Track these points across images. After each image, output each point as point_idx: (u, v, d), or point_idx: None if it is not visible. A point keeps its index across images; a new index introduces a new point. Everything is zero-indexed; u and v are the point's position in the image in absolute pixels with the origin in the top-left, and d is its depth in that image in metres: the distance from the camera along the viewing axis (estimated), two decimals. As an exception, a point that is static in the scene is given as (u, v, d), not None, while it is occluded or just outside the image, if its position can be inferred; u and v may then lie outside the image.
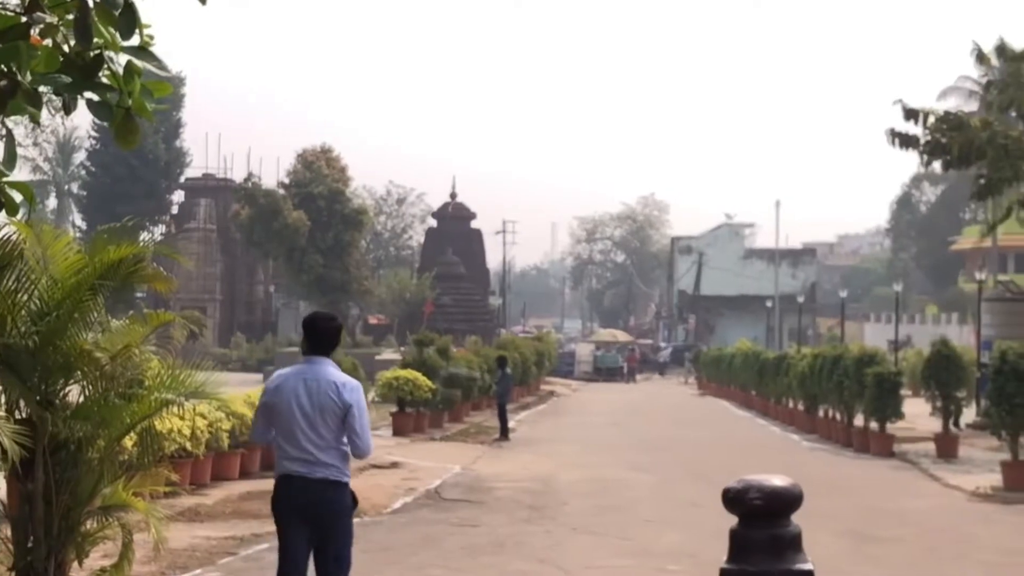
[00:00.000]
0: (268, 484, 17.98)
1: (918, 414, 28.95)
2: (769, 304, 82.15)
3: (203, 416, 17.50)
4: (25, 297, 7.04)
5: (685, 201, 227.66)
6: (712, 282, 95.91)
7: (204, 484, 17.51)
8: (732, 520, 13.88)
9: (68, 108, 4.58)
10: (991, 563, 12.69)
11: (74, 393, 7.43)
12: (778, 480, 3.47)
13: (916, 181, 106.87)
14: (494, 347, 42.71)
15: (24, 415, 7.02)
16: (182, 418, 16.69)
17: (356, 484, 18.29)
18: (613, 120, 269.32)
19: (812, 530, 13.68)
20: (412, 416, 27.80)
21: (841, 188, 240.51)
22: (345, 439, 7.47)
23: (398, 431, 27.31)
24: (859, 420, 27.60)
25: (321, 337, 7.74)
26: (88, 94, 4.40)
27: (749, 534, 3.36)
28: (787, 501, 3.40)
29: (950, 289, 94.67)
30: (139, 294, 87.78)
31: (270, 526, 14.45)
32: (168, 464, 16.28)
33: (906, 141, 27.83)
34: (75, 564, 7.36)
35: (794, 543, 3.36)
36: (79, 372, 7.10)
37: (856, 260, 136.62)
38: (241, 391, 20.48)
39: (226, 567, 11.30)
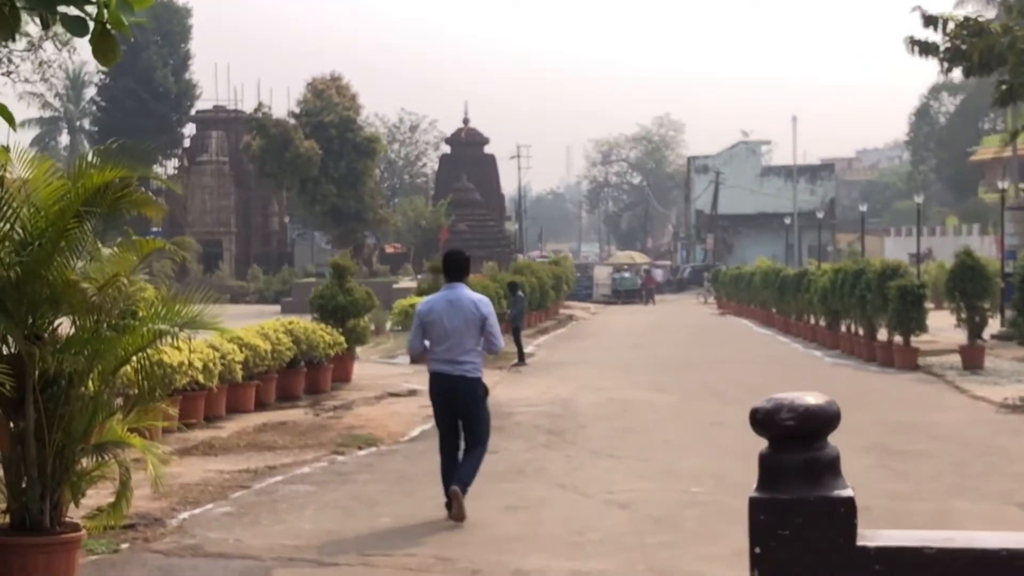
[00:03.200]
0: (284, 415, 17.86)
1: (940, 327, 28.59)
2: (788, 221, 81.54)
3: (215, 348, 17.26)
4: (7, 226, 6.68)
5: (701, 120, 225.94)
6: (730, 201, 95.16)
7: (219, 417, 17.27)
8: (756, 440, 13.42)
9: (45, 23, 4.30)
10: (1021, 475, 12.36)
11: (65, 327, 7.10)
12: (812, 398, 3.02)
13: (935, 92, 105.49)
14: (511, 272, 42.34)
15: (12, 351, 6.69)
16: (192, 351, 16.55)
17: (373, 412, 18.09)
18: (627, 39, 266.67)
19: (839, 445, 13.31)
20: (429, 343, 27.49)
21: (858, 103, 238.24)
22: (481, 343, 10.14)
23: (418, 359, 26.98)
24: (882, 334, 27.23)
25: (456, 267, 10.39)
26: (64, 8, 4.21)
27: (781, 459, 2.94)
28: (823, 421, 2.97)
29: (970, 200, 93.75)
30: (155, 229, 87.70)
31: (285, 458, 14.25)
32: (180, 398, 16.14)
33: (925, 49, 27.15)
34: (71, 504, 7.07)
35: (831, 467, 2.94)
36: (67, 304, 6.74)
37: (875, 175, 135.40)
38: (256, 323, 20.23)
39: (238, 501, 11.04)
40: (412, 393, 21.14)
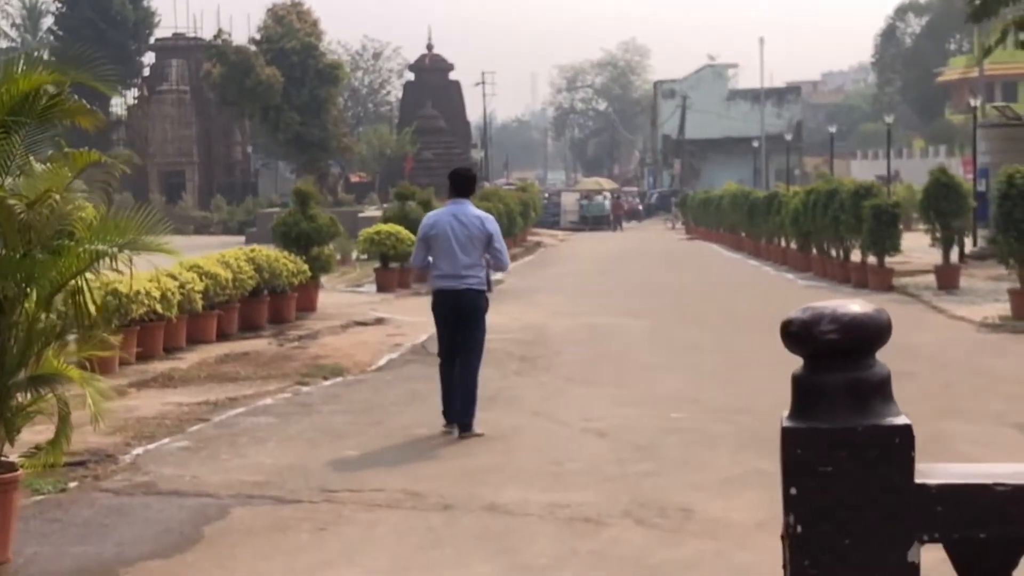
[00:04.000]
0: (247, 346, 17.28)
1: (912, 247, 28.16)
2: (756, 144, 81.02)
3: (174, 277, 16.64)
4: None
5: (666, 44, 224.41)
6: (696, 125, 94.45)
7: (179, 348, 16.69)
8: (734, 363, 13.21)
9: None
10: (1011, 395, 11.97)
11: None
12: (857, 306, 2.37)
13: (901, 12, 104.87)
14: (477, 199, 41.69)
15: (-65, 276, 6.09)
16: (150, 280, 15.94)
17: (338, 341, 17.54)
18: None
19: (886, 364, 12.90)
20: (396, 271, 26.92)
21: (823, 24, 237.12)
22: (486, 258, 10.19)
23: (382, 287, 26.47)
24: (855, 256, 26.83)
25: (461, 183, 10.47)
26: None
27: (821, 380, 2.31)
28: (872, 333, 2.36)
29: (937, 121, 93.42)
30: (124, 169, 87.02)
31: (246, 389, 13.70)
32: (137, 329, 15.54)
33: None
34: (6, 443, 6.49)
35: (881, 389, 2.32)
36: (-7, 224, 6.12)
37: (840, 97, 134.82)
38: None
39: (196, 435, 10.49)
40: (379, 322, 20.62)
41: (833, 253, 28.57)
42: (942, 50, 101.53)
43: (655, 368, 14.31)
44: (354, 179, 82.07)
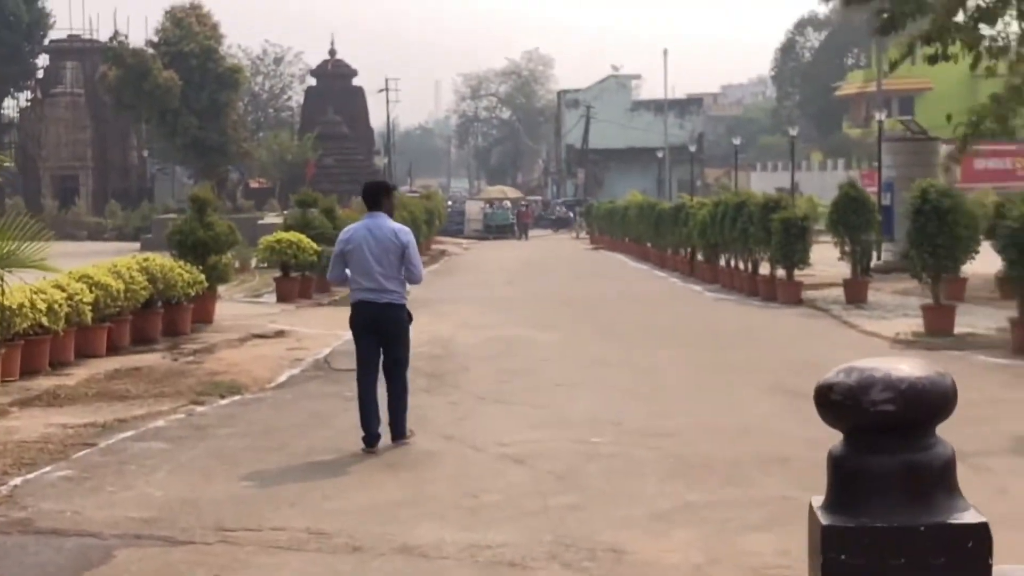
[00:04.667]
0: (139, 360, 16.39)
1: (816, 260, 27.92)
2: (660, 155, 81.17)
3: (61, 288, 15.76)
4: None
5: (570, 54, 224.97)
6: (600, 135, 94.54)
7: (67, 363, 15.79)
8: (650, 379, 12.52)
9: None
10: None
11: None
12: (910, 366, 1.70)
13: (800, 26, 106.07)
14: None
15: None
16: (36, 291, 15.06)
17: (236, 356, 16.74)
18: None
19: (735, 386, 12.36)
20: (297, 281, 26.09)
21: (723, 38, 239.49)
22: (403, 271, 10.06)
23: (283, 297, 25.62)
24: (764, 269, 26.59)
25: (375, 196, 10.35)
26: None
27: (870, 463, 1.64)
28: (935, 402, 1.69)
29: (835, 135, 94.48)
30: (7, 164, 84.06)
31: (137, 409, 12.87)
32: (22, 343, 14.64)
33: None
34: None
35: (946, 475, 1.61)
36: None
37: (739, 110, 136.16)
38: (110, 260, 18.66)
39: (81, 462, 9.69)
40: (279, 334, 19.83)
41: (741, 265, 28.32)
42: (840, 64, 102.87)
43: (570, 385, 13.76)
44: (254, 185, 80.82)
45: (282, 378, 15.09)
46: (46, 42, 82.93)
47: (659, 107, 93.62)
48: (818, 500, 2.21)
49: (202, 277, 19.72)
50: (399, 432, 10.16)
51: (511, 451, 9.78)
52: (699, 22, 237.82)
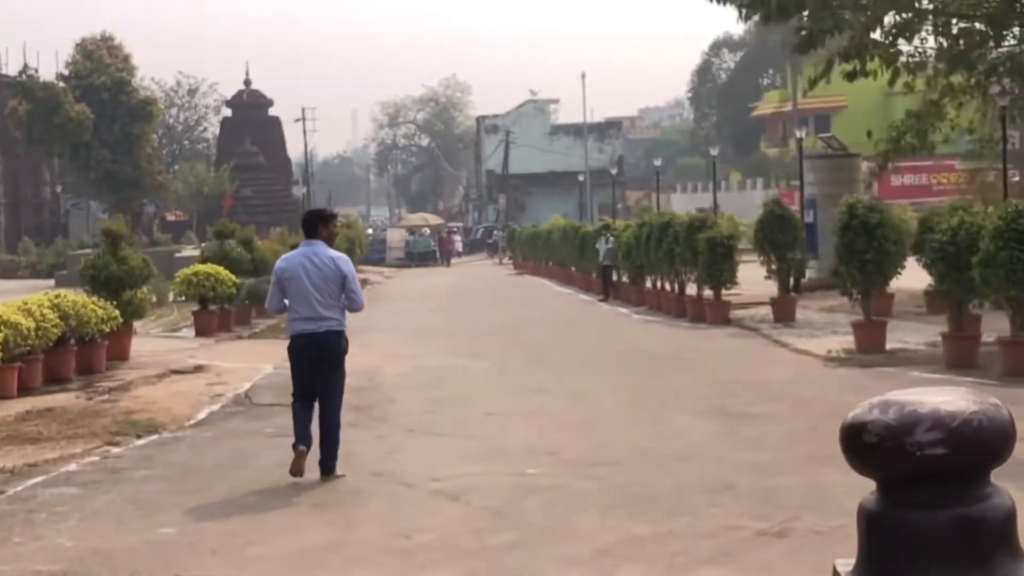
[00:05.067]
0: (52, 400, 15.69)
1: (742, 279, 27.78)
2: (581, 178, 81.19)
3: (-35, 327, 15.09)
4: None
5: (487, 80, 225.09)
6: (520, 160, 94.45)
7: (-26, 406, 15.08)
8: (585, 407, 12.08)
9: None
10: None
11: None
12: (958, 398, 1.17)
13: (715, 48, 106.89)
14: (301, 237, 40.34)
15: None
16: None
17: (154, 393, 16.12)
18: None
19: (672, 411, 12.00)
20: (216, 314, 25.42)
21: (639, 62, 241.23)
22: (343, 299, 10.01)
23: (201, 331, 24.94)
24: (691, 289, 26.39)
25: (312, 225, 10.31)
26: None
27: (914, 519, 1.07)
28: (994, 442, 1.15)
29: (752, 155, 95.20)
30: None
31: (49, 452, 12.23)
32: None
33: (722, -3, 26.38)
34: None
35: (1006, 531, 1.08)
36: None
37: (657, 133, 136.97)
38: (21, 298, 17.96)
39: (-13, 512, 9.10)
40: (198, 369, 19.20)
41: (667, 287, 28.11)
42: (756, 85, 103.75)
43: (501, 415, 13.34)
44: (171, 218, 79.72)
45: (201, 415, 14.53)
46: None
47: (578, 131, 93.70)
48: (845, 564, 1.77)
49: (116, 313, 19.05)
50: (329, 467, 9.88)
51: (444, 486, 9.33)
52: (615, 46, 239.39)
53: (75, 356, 18.40)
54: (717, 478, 9.36)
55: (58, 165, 74.74)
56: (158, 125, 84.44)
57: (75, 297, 18.27)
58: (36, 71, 61.82)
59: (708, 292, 25.22)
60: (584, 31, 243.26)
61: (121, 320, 19.28)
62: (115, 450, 11.90)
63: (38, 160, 75.73)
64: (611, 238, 33.71)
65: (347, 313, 10.22)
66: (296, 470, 9.72)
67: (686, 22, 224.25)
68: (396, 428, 12.57)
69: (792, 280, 24.68)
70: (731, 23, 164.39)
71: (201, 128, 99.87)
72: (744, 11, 28.68)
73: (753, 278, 26.13)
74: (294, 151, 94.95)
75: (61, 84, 60.56)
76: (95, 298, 19.08)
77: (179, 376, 18.55)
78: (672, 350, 20.02)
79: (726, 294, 25.17)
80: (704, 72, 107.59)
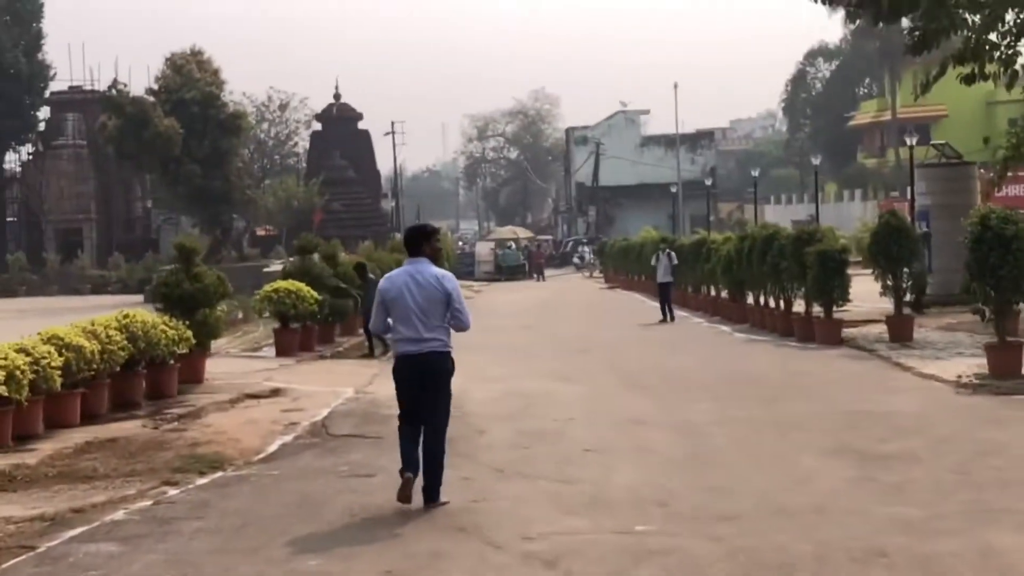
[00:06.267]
0: (116, 430, 14.51)
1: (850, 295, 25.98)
2: (674, 190, 79.45)
3: (26, 352, 13.99)
4: None
5: (576, 92, 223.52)
6: (610, 172, 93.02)
7: (34, 436, 14.02)
8: (691, 443, 10.15)
9: None
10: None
11: None
12: None
13: (811, 57, 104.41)
14: (388, 251, 39.26)
15: None
16: (-7, 357, 13.33)
17: (224, 421, 14.92)
18: (499, 11, 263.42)
19: (794, 449, 10.34)
20: (297, 332, 24.29)
21: (731, 72, 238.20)
22: (448, 318, 9.62)
23: (282, 351, 23.81)
24: (798, 306, 24.73)
25: (415, 241, 9.91)
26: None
27: None
28: None
29: (848, 166, 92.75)
30: (10, 218, 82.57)
31: (99, 495, 10.86)
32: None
33: (828, -2, 24.81)
34: None
35: None
36: None
37: (749, 144, 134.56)
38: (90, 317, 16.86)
39: (14, 572, 7.89)
40: (275, 393, 18.04)
41: (772, 303, 26.48)
42: (852, 95, 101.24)
43: (601, 451, 11.92)
44: (260, 233, 79.38)
45: (272, 447, 13.31)
46: (47, 94, 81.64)
47: (669, 142, 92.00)
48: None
49: (189, 334, 17.94)
50: (432, 496, 9.53)
51: (538, 548, 7.94)
52: (707, 56, 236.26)
53: (145, 380, 17.34)
54: (863, 540, 7.88)
55: (149, 181, 74.67)
56: (249, 140, 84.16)
57: (144, 317, 17.14)
58: (125, 85, 61.54)
59: (817, 309, 23.58)
60: (675, 42, 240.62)
61: (194, 341, 18.16)
62: (171, 492, 10.69)
63: (130, 176, 75.76)
64: (672, 253, 32.22)
65: (456, 333, 9.82)
66: (403, 497, 9.41)
67: (780, 31, 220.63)
68: (483, 468, 11.20)
69: (913, 296, 22.91)
70: (827, 31, 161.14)
71: (292, 143, 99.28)
72: (852, 11, 27.01)
73: (861, 294, 24.40)
74: (384, 165, 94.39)
75: (150, 99, 60.12)
76: (166, 318, 17.97)
77: (253, 401, 17.40)
78: (783, 374, 18.44)
79: (836, 311, 23.49)
80: (799, 81, 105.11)
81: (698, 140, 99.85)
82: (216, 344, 26.09)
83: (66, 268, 71.38)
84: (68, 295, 63.43)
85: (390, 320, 9.78)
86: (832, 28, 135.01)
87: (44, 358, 14.20)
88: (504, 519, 8.93)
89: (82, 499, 10.48)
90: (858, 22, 27.35)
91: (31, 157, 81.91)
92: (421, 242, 9.86)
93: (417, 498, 9.44)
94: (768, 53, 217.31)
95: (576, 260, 76.55)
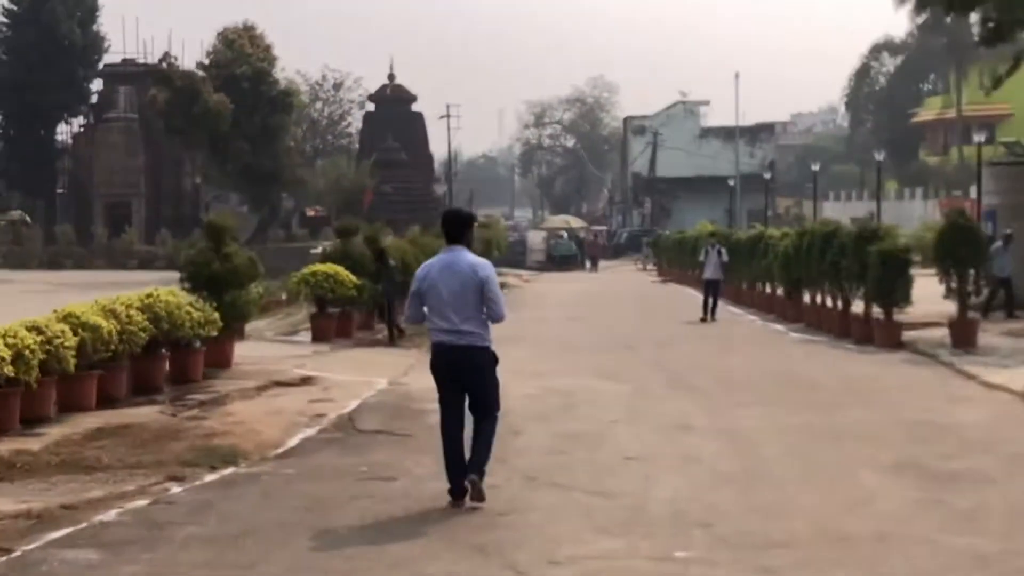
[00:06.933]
0: (132, 415, 13.59)
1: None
2: (731, 183, 78.05)
3: (38, 330, 13.25)
4: None
5: (636, 81, 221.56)
6: (667, 163, 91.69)
7: (45, 419, 13.30)
8: (742, 453, 8.93)
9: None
10: None
11: None
12: None
13: (875, 51, 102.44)
14: (435, 236, 38.38)
15: None
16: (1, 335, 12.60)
17: (247, 410, 14.09)
18: None
19: (852, 463, 9.25)
20: (334, 318, 23.48)
21: (792, 66, 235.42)
22: (484, 310, 9.17)
23: (318, 336, 23.03)
24: (857, 306, 23.62)
25: (454, 227, 9.41)
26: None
27: None
28: None
29: (911, 163, 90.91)
30: (60, 190, 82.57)
31: (97, 488, 10.15)
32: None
33: (900, -18, 23.74)
34: None
35: None
36: None
37: (810, 139, 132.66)
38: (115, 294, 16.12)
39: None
40: (305, 381, 17.24)
41: (829, 302, 25.37)
42: (916, 91, 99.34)
43: (642, 460, 10.98)
44: (310, 213, 78.71)
45: (292, 442, 12.49)
46: (100, 66, 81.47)
47: (729, 134, 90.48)
48: None
49: (216, 316, 17.13)
50: (479, 469, 9.13)
51: (565, 575, 7.03)
52: (768, 50, 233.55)
53: (169, 363, 16.58)
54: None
55: (199, 156, 74.27)
56: (303, 119, 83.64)
57: (169, 297, 16.37)
58: (175, 59, 61.06)
59: (877, 311, 22.48)
60: (737, 32, 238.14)
61: (221, 324, 17.36)
62: (175, 489, 9.88)
63: (181, 152, 75.38)
64: (722, 249, 30.61)
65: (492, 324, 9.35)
66: (476, 496, 9.04)
67: (844, 24, 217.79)
68: (515, 474, 10.29)
69: (985, 301, 21.76)
70: (893, 25, 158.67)
71: (345, 123, 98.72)
72: (921, 3, 25.82)
73: (922, 295, 23.21)
74: (438, 149, 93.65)
75: (201, 73, 59.58)
76: (194, 299, 17.18)
77: (282, 389, 16.60)
78: (840, 379, 17.39)
79: (896, 313, 22.37)
80: (862, 76, 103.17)
81: (758, 133, 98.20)
82: (253, 326, 25.40)
83: (113, 242, 71.13)
84: (115, 269, 63.12)
85: (425, 309, 9.38)
86: (898, 22, 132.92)
87: (57, 337, 13.47)
88: (530, 537, 8.02)
89: (78, 493, 9.69)
90: (924, 15, 26.13)
91: (82, 130, 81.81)
92: (463, 229, 9.47)
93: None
94: (831, 46, 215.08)
95: (646, 252, 75.17)
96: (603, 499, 9.28)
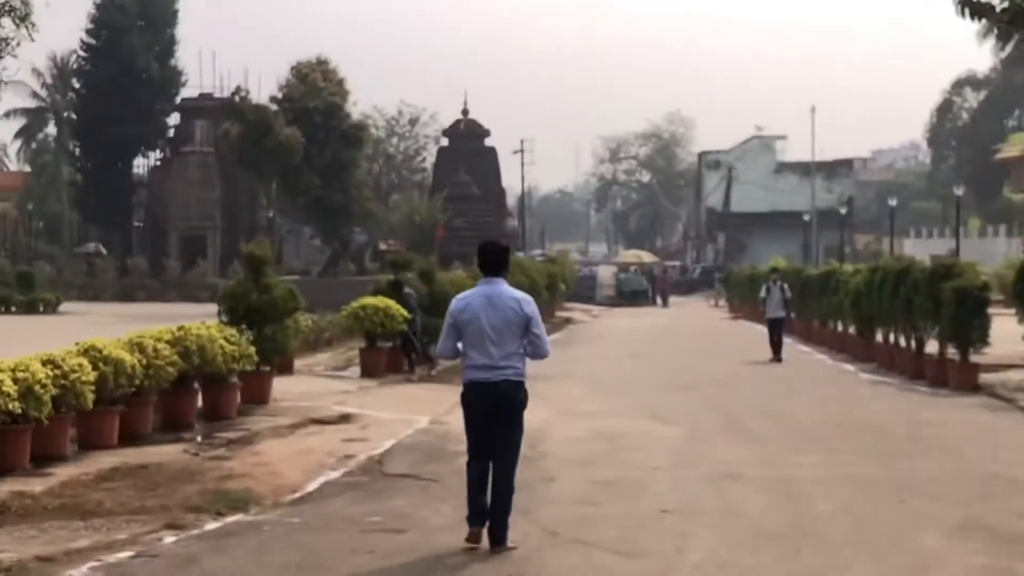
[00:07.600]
0: (152, 454, 12.85)
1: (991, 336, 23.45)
2: (807, 218, 76.57)
3: (54, 364, 12.64)
4: None
5: (711, 116, 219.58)
6: (742, 198, 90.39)
7: (59, 457, 12.65)
8: (790, 506, 7.69)
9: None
10: None
11: None
12: None
13: (958, 86, 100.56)
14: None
15: None
16: (11, 369, 12.00)
17: (275, 450, 13.34)
18: (635, 32, 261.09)
19: (913, 523, 7.94)
20: (384, 353, 22.77)
21: (872, 101, 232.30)
22: (524, 345, 8.97)
23: (367, 371, 22.31)
24: (931, 346, 22.46)
25: (492, 258, 9.17)
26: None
27: None
28: None
29: (994, 200, 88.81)
30: (136, 223, 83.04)
31: (85, 538, 9.30)
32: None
33: (979, 10, 22.62)
34: None
35: None
36: None
37: (891, 175, 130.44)
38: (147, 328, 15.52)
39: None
40: (343, 419, 16.50)
41: (902, 342, 24.21)
42: (1000, 126, 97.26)
43: (680, 513, 10.07)
44: (383, 247, 78.44)
45: (312, 486, 11.73)
46: (177, 100, 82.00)
47: (805, 169, 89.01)
48: None
49: (252, 350, 16.45)
50: (500, 537, 8.79)
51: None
52: (848, 83, 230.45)
53: (202, 399, 15.93)
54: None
55: (274, 190, 74.31)
56: (378, 154, 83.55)
57: (200, 330, 15.71)
58: (248, 93, 60.91)
59: (952, 351, 21.33)
60: (814, 67, 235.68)
61: (257, 358, 16.68)
62: (168, 539, 9.15)
63: (256, 185, 75.43)
64: (785, 285, 29.10)
65: (528, 361, 9.07)
66: (472, 540, 8.81)
67: (926, 58, 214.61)
68: (536, 528, 9.42)
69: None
70: (976, 59, 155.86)
71: (420, 158, 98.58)
72: (1004, 28, 24.73)
73: (1002, 335, 21.99)
74: (513, 183, 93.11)
75: (273, 107, 59.43)
76: (229, 332, 16.52)
77: (317, 427, 15.88)
78: (908, 424, 16.31)
79: (973, 354, 21.20)
80: (944, 111, 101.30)
81: (836, 168, 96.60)
82: (314, 360, 24.79)
83: (187, 275, 71.32)
84: (186, 302, 63.11)
85: (460, 345, 9.04)
86: (982, 56, 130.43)
87: (74, 371, 12.82)
88: (535, 607, 7.16)
89: (63, 543, 8.98)
90: (1009, 50, 25.05)
91: (159, 163, 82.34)
92: (498, 260, 9.16)
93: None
94: (913, 81, 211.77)
95: (718, 288, 73.87)
96: (626, 560, 8.39)
